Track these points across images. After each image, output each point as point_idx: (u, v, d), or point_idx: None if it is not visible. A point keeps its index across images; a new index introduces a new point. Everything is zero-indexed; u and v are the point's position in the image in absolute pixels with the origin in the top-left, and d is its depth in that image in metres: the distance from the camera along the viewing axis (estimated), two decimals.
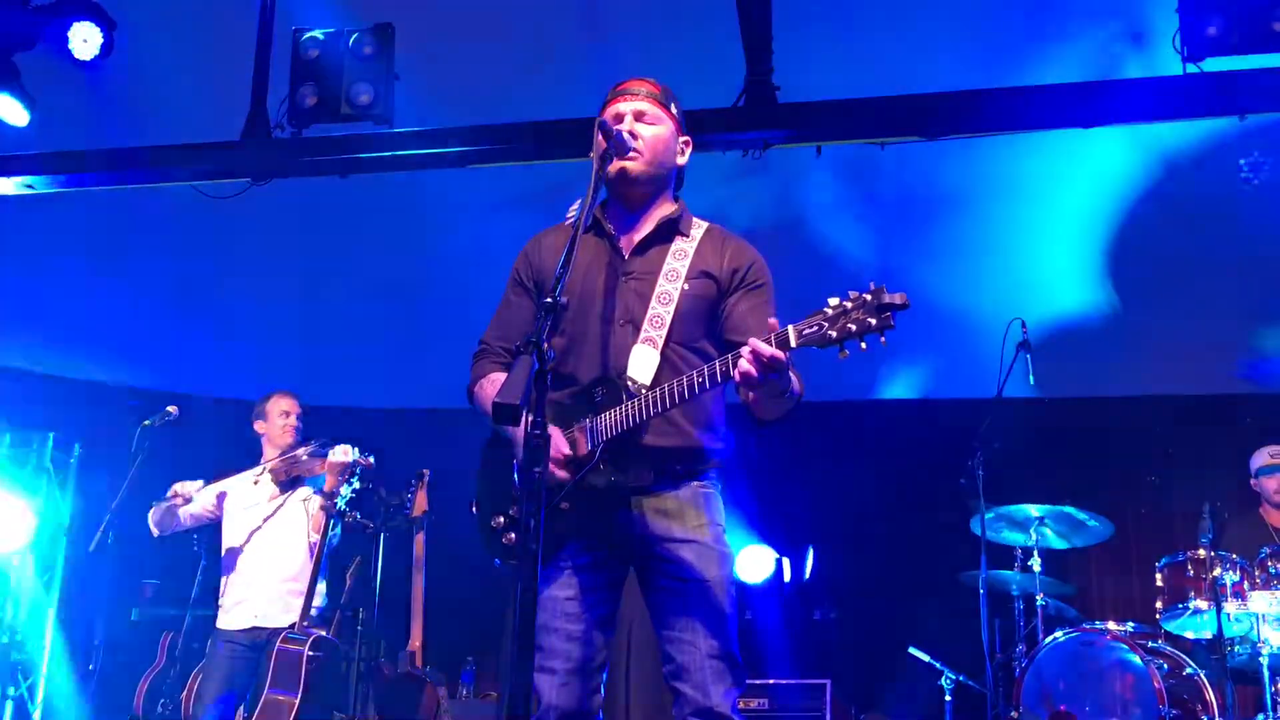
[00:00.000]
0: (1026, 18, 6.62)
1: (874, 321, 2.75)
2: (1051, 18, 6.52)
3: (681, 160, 3.44)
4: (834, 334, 2.78)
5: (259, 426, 6.23)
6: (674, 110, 3.39)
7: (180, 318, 8.74)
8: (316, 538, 5.89)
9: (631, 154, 3.26)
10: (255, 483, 6.09)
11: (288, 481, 6.02)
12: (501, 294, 3.50)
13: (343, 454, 5.84)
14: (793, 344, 2.82)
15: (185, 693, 6.09)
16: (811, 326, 2.81)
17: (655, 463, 3.16)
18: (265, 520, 6.02)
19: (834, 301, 2.80)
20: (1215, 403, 8.30)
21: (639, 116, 3.31)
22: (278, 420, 6.16)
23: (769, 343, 2.82)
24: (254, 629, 5.82)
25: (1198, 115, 5.90)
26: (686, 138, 3.45)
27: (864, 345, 2.78)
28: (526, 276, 3.43)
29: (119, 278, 8.46)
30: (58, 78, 6.48)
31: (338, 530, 5.96)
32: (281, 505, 6.03)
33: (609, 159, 3.21)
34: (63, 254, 8.27)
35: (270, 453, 6.15)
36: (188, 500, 6.02)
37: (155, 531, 6.16)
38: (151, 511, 6.13)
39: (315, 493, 5.96)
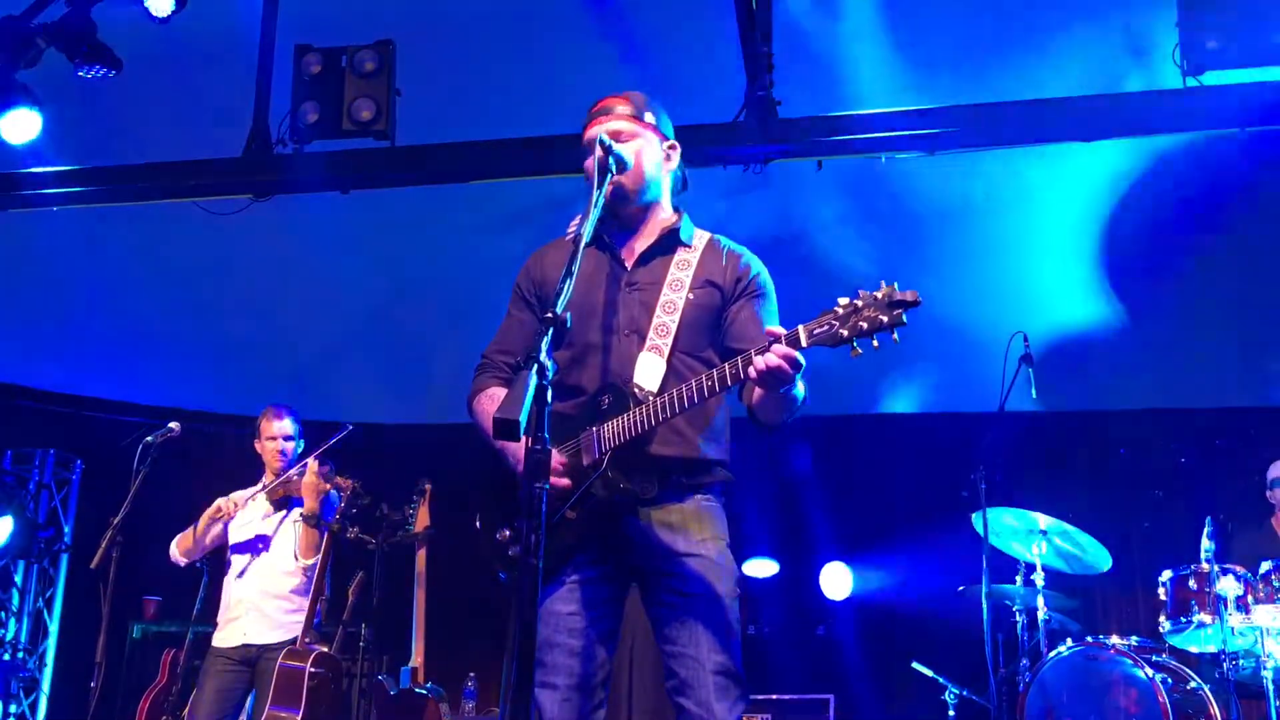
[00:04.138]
0: (1026, 31, 6.64)
1: (885, 319, 2.73)
2: (1052, 31, 6.54)
3: (670, 165, 3.42)
4: (845, 332, 2.77)
5: (256, 446, 6.23)
6: (652, 119, 3.37)
7: (182, 333, 8.75)
8: (304, 560, 5.87)
9: (614, 176, 3.25)
10: (253, 499, 6.09)
11: (281, 501, 6.02)
12: (504, 309, 3.50)
13: (310, 475, 5.82)
14: (804, 343, 2.82)
15: (187, 710, 6.08)
16: (822, 326, 2.81)
17: (660, 472, 3.15)
18: (257, 539, 6.01)
19: (844, 301, 2.80)
20: (1220, 416, 8.29)
21: (615, 137, 3.29)
22: (266, 443, 6.16)
23: (780, 341, 2.82)
24: (244, 646, 5.83)
25: (1198, 129, 5.92)
26: (672, 142, 3.43)
27: (876, 344, 2.77)
28: (528, 291, 3.43)
29: (120, 293, 8.48)
30: (59, 95, 6.49)
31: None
32: (274, 525, 6.02)
33: (608, 174, 3.20)
34: (63, 270, 8.28)
35: (268, 473, 6.15)
36: (232, 516, 6.00)
37: (183, 560, 6.13)
38: (179, 540, 6.11)
39: (301, 516, 5.94)
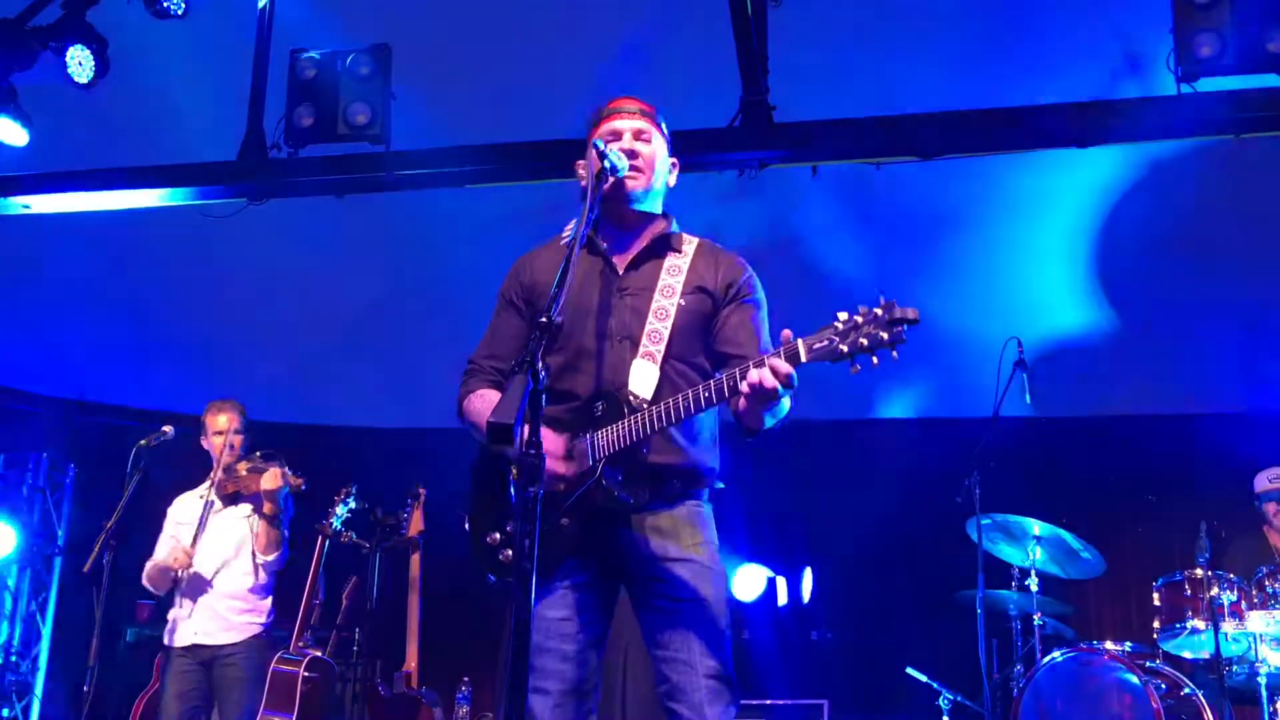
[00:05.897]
0: (1023, 38, 6.65)
1: (885, 336, 2.71)
2: (1048, 38, 6.55)
3: (671, 181, 3.45)
4: (844, 348, 2.74)
5: (203, 443, 6.09)
6: (664, 130, 3.41)
7: (177, 337, 8.74)
8: (265, 557, 5.77)
9: (632, 172, 3.26)
10: (200, 498, 5.96)
11: (230, 497, 5.90)
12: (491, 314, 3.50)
13: (271, 480, 5.70)
14: (803, 359, 2.80)
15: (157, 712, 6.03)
16: (822, 341, 2.78)
17: (654, 479, 3.15)
18: (208, 537, 5.89)
19: (843, 316, 2.77)
20: (1214, 421, 8.29)
21: (637, 135, 3.32)
22: (214, 438, 6.03)
23: (779, 356, 2.81)
24: (195, 647, 5.70)
25: (1192, 135, 5.93)
26: (674, 159, 3.47)
27: (875, 360, 2.75)
28: (516, 295, 3.43)
29: (114, 297, 8.47)
30: (55, 98, 6.49)
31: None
32: (224, 522, 5.90)
33: (606, 177, 3.20)
34: (57, 273, 8.27)
35: (216, 468, 6.03)
36: (188, 566, 5.84)
37: (158, 592, 5.95)
38: (147, 575, 5.92)
39: (254, 511, 5.84)
